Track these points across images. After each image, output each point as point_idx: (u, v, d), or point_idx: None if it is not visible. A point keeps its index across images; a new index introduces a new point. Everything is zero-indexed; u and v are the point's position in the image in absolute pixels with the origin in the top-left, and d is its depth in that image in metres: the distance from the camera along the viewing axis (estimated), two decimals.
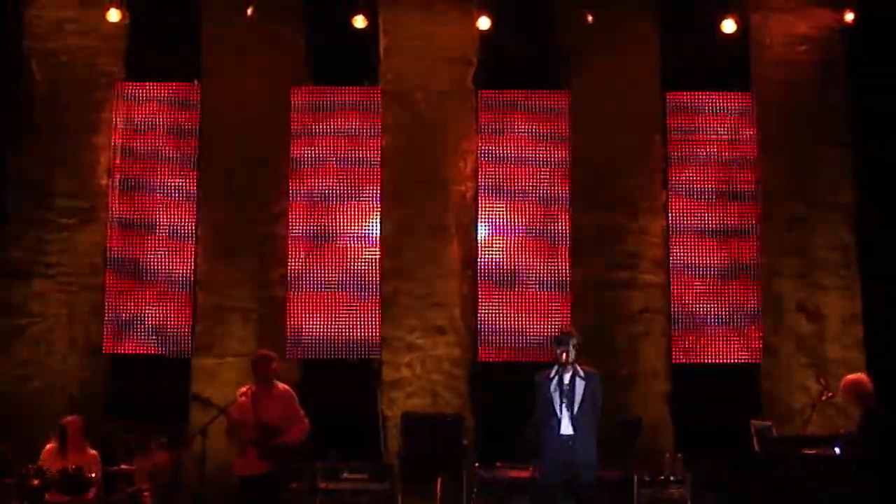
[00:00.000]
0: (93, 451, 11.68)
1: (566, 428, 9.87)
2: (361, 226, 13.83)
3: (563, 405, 9.88)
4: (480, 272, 13.72)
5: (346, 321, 13.63)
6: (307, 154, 13.92)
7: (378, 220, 13.82)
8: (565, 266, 13.70)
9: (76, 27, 14.09)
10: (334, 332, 13.62)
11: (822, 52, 14.01)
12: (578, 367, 9.97)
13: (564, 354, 9.91)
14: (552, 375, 9.94)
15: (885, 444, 10.18)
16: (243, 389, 10.91)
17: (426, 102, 13.91)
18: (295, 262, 13.75)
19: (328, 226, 13.83)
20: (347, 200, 13.85)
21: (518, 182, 13.84)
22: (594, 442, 9.99)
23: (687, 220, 13.82)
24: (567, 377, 9.92)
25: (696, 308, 13.67)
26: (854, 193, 13.82)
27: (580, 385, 9.91)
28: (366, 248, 13.77)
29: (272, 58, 14.01)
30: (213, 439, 10.92)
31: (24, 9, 14.10)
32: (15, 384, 13.56)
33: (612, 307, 13.68)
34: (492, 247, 13.76)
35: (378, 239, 13.79)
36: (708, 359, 13.60)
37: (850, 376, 10.93)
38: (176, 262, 13.82)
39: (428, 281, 13.67)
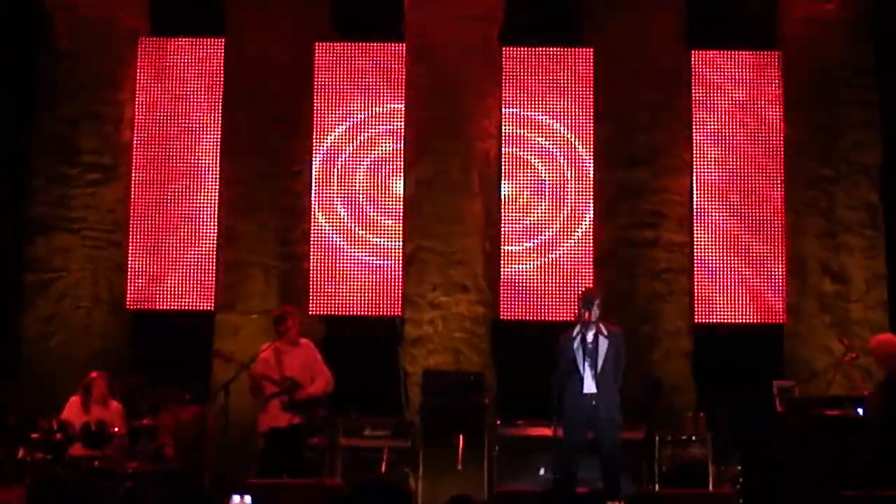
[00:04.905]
0: (117, 406, 11.72)
1: (589, 386, 9.89)
2: (385, 182, 13.82)
3: (587, 364, 9.89)
4: (503, 230, 13.71)
5: (368, 278, 13.65)
6: (330, 109, 13.90)
7: (402, 177, 13.80)
8: (588, 224, 13.68)
9: None
10: (357, 288, 13.64)
11: (850, 9, 13.86)
12: (602, 326, 9.98)
13: (588, 313, 9.91)
14: (575, 334, 9.95)
15: None
16: (265, 346, 10.97)
17: (450, 59, 13.81)
18: (318, 217, 13.76)
19: (351, 182, 13.83)
20: (370, 157, 13.84)
21: (541, 139, 13.80)
22: (617, 400, 10.01)
23: (711, 179, 13.77)
24: (590, 336, 9.93)
25: (719, 268, 13.63)
26: (879, 153, 13.72)
27: (603, 344, 9.92)
28: (389, 204, 13.77)
29: (296, 12, 13.97)
30: (236, 395, 10.95)
31: None
32: (39, 339, 13.61)
33: (634, 266, 13.63)
34: (515, 204, 13.75)
35: (401, 196, 13.77)
36: (731, 319, 13.58)
37: (881, 336, 10.90)
38: (199, 218, 13.85)
39: (451, 238, 13.62)
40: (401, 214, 13.74)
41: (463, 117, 13.79)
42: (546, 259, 13.63)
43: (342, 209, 13.79)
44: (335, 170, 13.84)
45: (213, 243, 13.82)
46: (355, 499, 8.47)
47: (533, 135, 13.82)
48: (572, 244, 13.64)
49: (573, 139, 13.80)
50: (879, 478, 9.86)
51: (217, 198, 13.87)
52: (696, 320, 13.59)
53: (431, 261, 13.61)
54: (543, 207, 13.72)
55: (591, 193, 13.74)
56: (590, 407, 9.89)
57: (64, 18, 14.04)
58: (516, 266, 13.64)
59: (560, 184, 13.76)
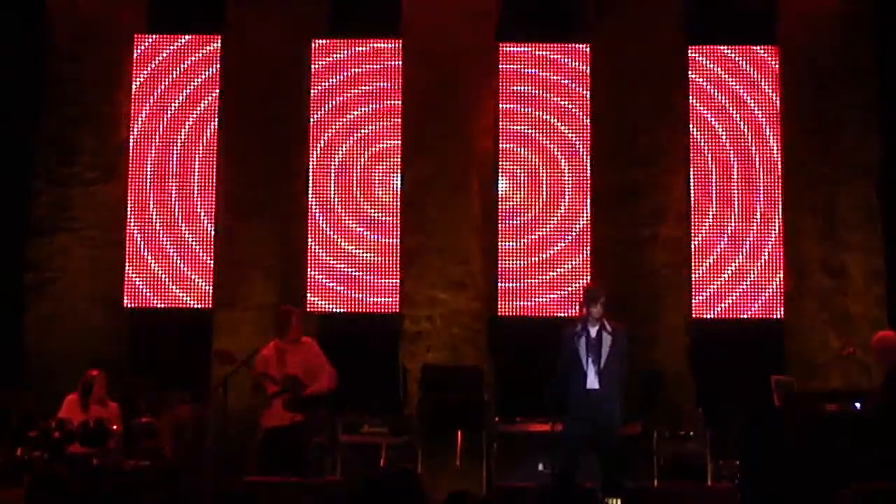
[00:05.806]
0: (114, 405, 11.72)
1: (592, 382, 9.84)
2: (382, 180, 13.82)
3: (590, 359, 9.84)
4: (501, 227, 13.71)
5: (367, 275, 13.65)
6: (328, 108, 13.91)
7: (399, 175, 13.80)
8: (586, 221, 13.67)
9: None
10: (355, 285, 13.64)
11: (849, 6, 13.85)
12: (605, 322, 9.94)
13: (594, 310, 9.87)
14: (578, 330, 9.92)
15: None
16: (267, 345, 10.97)
17: (448, 56, 13.82)
18: (316, 215, 13.76)
19: (349, 180, 13.83)
20: (368, 154, 13.84)
21: (539, 137, 13.80)
22: (619, 396, 9.97)
23: (709, 176, 13.76)
24: (594, 332, 9.90)
25: (718, 264, 13.63)
26: (879, 152, 13.71)
27: (607, 340, 9.87)
28: (387, 202, 13.77)
29: (293, 10, 13.98)
30: (235, 393, 10.95)
31: None
32: (38, 338, 13.63)
33: (633, 262, 13.64)
34: (512, 201, 13.74)
35: (399, 193, 13.78)
36: (730, 314, 13.57)
37: (881, 333, 10.90)
38: (198, 216, 13.85)
39: (449, 235, 13.64)
40: (399, 211, 13.74)
41: (460, 115, 13.80)
42: (544, 256, 13.63)
43: (340, 207, 13.79)
44: (333, 167, 13.85)
45: (211, 242, 13.82)
46: (363, 495, 8.44)
47: (531, 132, 13.82)
48: (570, 241, 13.65)
49: (571, 136, 13.79)
50: (882, 474, 9.86)
51: (215, 196, 13.87)
52: (694, 316, 13.57)
53: (430, 257, 13.62)
54: (541, 204, 13.72)
55: (589, 190, 13.72)
56: (592, 403, 9.85)
57: (64, 18, 14.05)
58: (514, 263, 13.64)
59: (558, 180, 13.75)
